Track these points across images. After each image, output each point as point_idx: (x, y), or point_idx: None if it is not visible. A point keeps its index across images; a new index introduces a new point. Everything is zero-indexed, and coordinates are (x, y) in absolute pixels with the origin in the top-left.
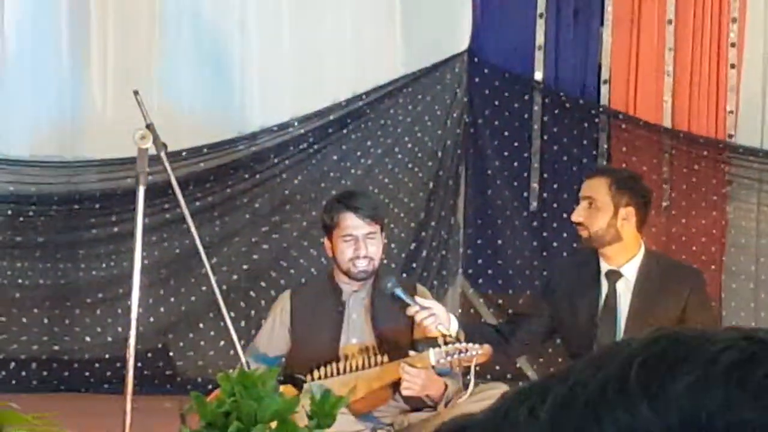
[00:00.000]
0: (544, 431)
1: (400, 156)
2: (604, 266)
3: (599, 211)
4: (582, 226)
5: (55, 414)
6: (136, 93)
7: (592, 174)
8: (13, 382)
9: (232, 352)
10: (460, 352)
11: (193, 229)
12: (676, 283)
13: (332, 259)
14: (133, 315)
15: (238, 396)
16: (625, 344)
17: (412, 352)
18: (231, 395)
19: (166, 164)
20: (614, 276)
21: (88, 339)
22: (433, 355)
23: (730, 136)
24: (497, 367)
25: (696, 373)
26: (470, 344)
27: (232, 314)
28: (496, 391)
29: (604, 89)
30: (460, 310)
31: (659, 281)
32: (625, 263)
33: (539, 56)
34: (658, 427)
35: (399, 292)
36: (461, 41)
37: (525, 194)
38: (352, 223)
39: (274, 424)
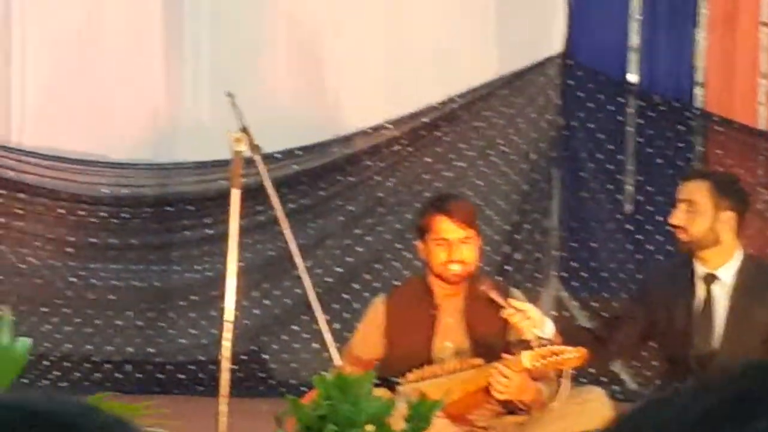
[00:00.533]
0: None
1: (493, 158)
2: (700, 269)
3: (699, 214)
4: (681, 229)
5: (161, 411)
6: (230, 96)
7: (692, 177)
8: (108, 384)
9: (325, 354)
10: (555, 355)
11: (287, 232)
12: None
13: (426, 263)
14: (228, 317)
15: (335, 399)
16: (718, 378)
17: (506, 355)
18: (327, 398)
19: (261, 167)
20: (710, 279)
21: (182, 341)
22: (527, 358)
23: None
24: (591, 371)
25: None
26: (565, 347)
27: (326, 317)
28: (590, 394)
29: (698, 91)
30: (554, 313)
31: (757, 285)
32: (721, 266)
33: (633, 58)
34: None
35: (494, 294)
36: (555, 43)
37: (619, 197)
38: (446, 227)
39: (370, 427)
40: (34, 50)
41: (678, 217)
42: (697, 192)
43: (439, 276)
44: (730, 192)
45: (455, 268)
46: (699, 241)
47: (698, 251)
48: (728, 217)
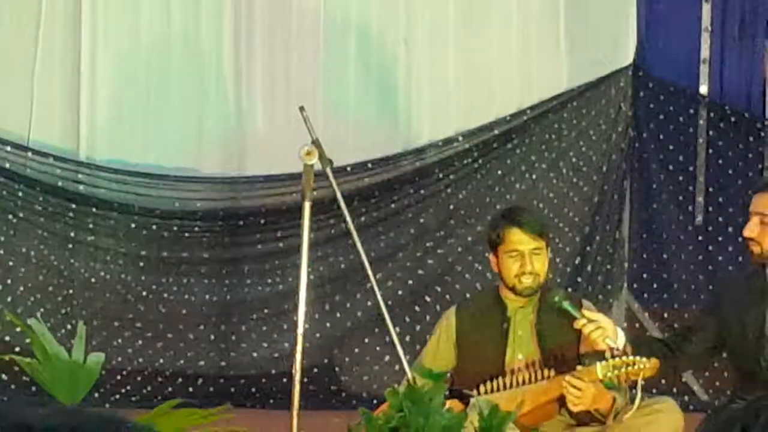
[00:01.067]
0: None
1: (564, 170)
2: None
3: None
4: (754, 241)
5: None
6: (302, 109)
7: (764, 189)
8: (179, 397)
9: (397, 367)
10: (628, 365)
11: (358, 245)
12: None
13: (498, 275)
14: (300, 330)
15: (406, 411)
16: None
17: (579, 366)
18: (399, 410)
19: (332, 180)
20: None
21: (254, 354)
22: (600, 368)
23: None
24: (663, 381)
25: None
26: (637, 357)
27: (398, 329)
28: (661, 405)
29: None
30: (625, 324)
31: None
32: None
33: (704, 70)
34: None
35: (567, 305)
36: (626, 55)
37: (690, 208)
38: (519, 238)
39: None
40: (103, 62)
41: (751, 229)
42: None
43: (512, 288)
44: None
45: (527, 279)
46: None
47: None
48: None
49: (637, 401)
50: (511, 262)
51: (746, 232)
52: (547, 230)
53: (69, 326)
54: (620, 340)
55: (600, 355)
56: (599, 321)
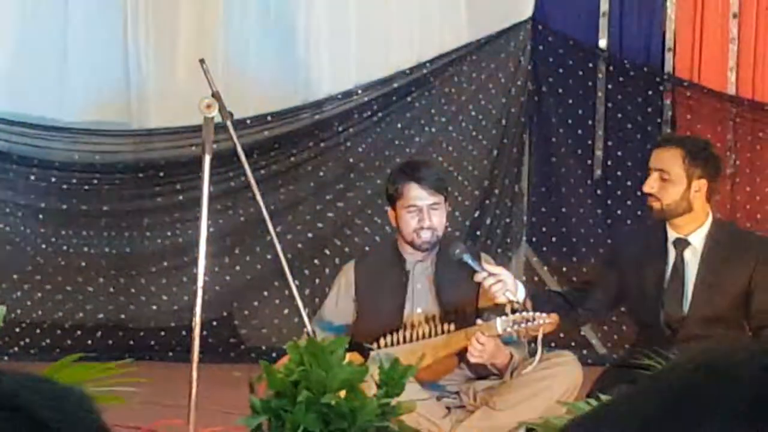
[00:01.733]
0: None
1: (464, 124)
2: (672, 234)
3: (672, 183)
4: (653, 197)
5: (132, 370)
6: (202, 62)
7: (664, 144)
8: (79, 350)
9: (296, 320)
10: (528, 321)
11: (259, 197)
12: (744, 252)
13: (396, 229)
14: (200, 283)
15: (308, 365)
16: (670, 372)
17: (479, 321)
18: (300, 364)
19: (233, 133)
20: (682, 244)
21: (153, 307)
22: (500, 323)
23: None
24: (561, 335)
25: (720, 420)
26: (538, 313)
27: (297, 282)
28: (560, 358)
29: (668, 56)
30: (524, 278)
31: (727, 250)
32: (692, 232)
33: (603, 23)
34: None
35: (467, 258)
36: (525, 8)
37: (589, 162)
38: (417, 194)
39: (343, 393)
40: (2, 15)
41: (650, 185)
42: (670, 161)
43: (410, 243)
44: (703, 159)
45: (426, 234)
46: (671, 209)
47: (670, 219)
48: (701, 184)
49: (538, 356)
50: (409, 218)
51: (646, 188)
52: (446, 185)
53: None
54: (520, 293)
55: (500, 309)
56: (499, 274)
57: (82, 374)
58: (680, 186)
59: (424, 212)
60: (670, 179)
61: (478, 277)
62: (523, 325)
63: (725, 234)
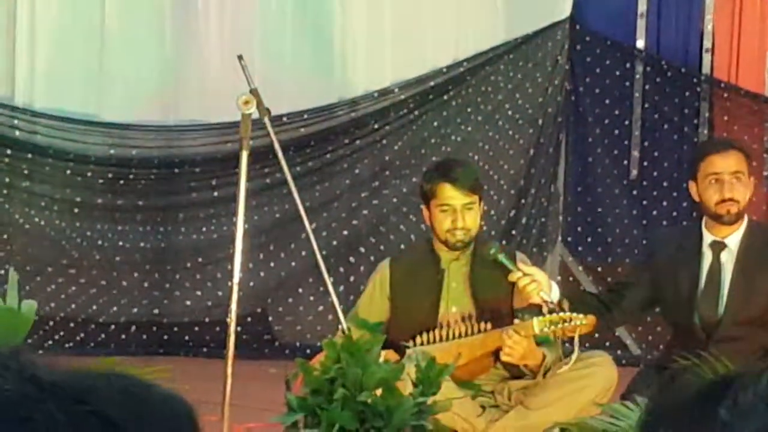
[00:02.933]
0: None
1: (500, 123)
2: (708, 237)
3: (745, 185)
4: (733, 201)
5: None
6: (240, 58)
7: (726, 148)
8: (113, 345)
9: (330, 317)
10: (564, 321)
11: (295, 194)
12: None
13: (431, 228)
14: (235, 279)
15: (344, 363)
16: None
17: (516, 320)
18: (336, 362)
19: (270, 130)
20: (719, 247)
21: (187, 303)
22: (536, 323)
23: None
24: (596, 335)
25: None
26: (574, 314)
27: (332, 279)
28: (595, 359)
29: (706, 58)
30: (559, 278)
31: (762, 252)
32: (729, 234)
33: (641, 24)
34: None
35: (502, 257)
36: (563, 8)
37: (625, 162)
38: (450, 194)
39: (379, 391)
40: (41, 9)
41: (732, 190)
42: (742, 164)
43: (444, 242)
44: (751, 158)
45: (459, 234)
46: (744, 211)
47: (736, 221)
48: (752, 184)
49: (574, 357)
50: (443, 217)
51: (729, 194)
52: (480, 184)
53: (2, 272)
54: (554, 293)
55: (534, 309)
56: (534, 274)
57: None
58: (749, 187)
59: (458, 212)
60: (743, 181)
61: (512, 277)
62: (560, 325)
63: (760, 236)
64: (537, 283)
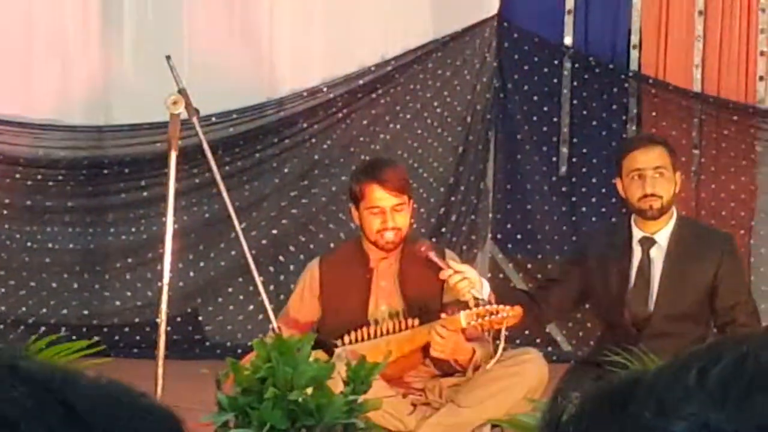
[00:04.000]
0: (712, 399)
1: (429, 121)
2: (637, 233)
3: (667, 180)
4: (655, 197)
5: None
6: (168, 58)
7: (647, 144)
8: (43, 347)
9: (261, 316)
10: (491, 314)
11: (224, 194)
12: (708, 248)
13: (360, 228)
14: (165, 279)
15: (275, 362)
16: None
17: (443, 315)
18: (267, 361)
19: (199, 130)
20: (648, 243)
21: (117, 303)
22: (464, 317)
23: (760, 101)
24: (526, 332)
25: None
26: (501, 306)
27: (262, 279)
28: (525, 356)
29: (634, 54)
30: (489, 275)
31: (691, 247)
32: (659, 230)
33: (569, 21)
34: None
35: (433, 255)
36: (491, 6)
37: (554, 159)
38: (379, 195)
39: (310, 390)
40: None
41: (652, 185)
42: (664, 159)
43: (373, 243)
44: (676, 154)
45: (389, 235)
46: (668, 206)
47: (661, 216)
48: (678, 179)
49: (500, 349)
50: (373, 218)
51: (648, 189)
52: (409, 184)
53: None
54: (485, 290)
55: (464, 306)
56: (465, 272)
57: (54, 356)
58: (672, 182)
59: (387, 213)
60: (666, 176)
61: (443, 275)
62: (487, 318)
63: (690, 231)
64: (468, 280)
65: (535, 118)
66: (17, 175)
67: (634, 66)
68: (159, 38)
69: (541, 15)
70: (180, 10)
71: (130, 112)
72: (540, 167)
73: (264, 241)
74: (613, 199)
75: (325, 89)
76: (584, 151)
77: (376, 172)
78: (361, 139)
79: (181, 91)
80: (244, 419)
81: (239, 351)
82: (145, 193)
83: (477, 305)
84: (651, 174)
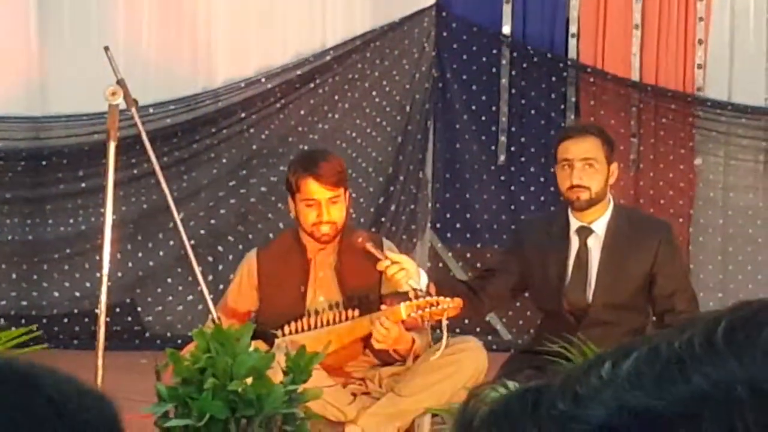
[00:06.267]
0: (628, 382)
1: (368, 110)
2: (575, 222)
3: (597, 171)
4: (582, 187)
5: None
6: (106, 49)
7: (581, 134)
8: None
9: (200, 306)
10: (432, 305)
11: (164, 184)
12: (645, 237)
13: (296, 220)
14: (105, 270)
15: (214, 352)
16: (709, 312)
17: (383, 306)
18: (206, 351)
19: (138, 121)
20: (585, 232)
21: (56, 294)
22: (404, 308)
23: (698, 89)
24: (466, 321)
25: None
26: (441, 297)
27: (200, 269)
28: (465, 344)
29: (572, 43)
30: (429, 264)
31: (629, 235)
32: (596, 219)
33: (507, 10)
34: (746, 378)
35: (370, 246)
36: None
37: (493, 148)
38: (314, 188)
39: (249, 380)
40: None
41: (579, 176)
42: (595, 150)
43: (309, 235)
44: (612, 144)
45: (324, 228)
46: (598, 197)
47: (591, 207)
48: (613, 170)
49: (444, 341)
50: (308, 211)
51: (576, 180)
52: (345, 176)
53: None
54: (423, 281)
55: (403, 296)
56: (402, 262)
57: None
58: (603, 173)
59: (322, 206)
60: (595, 168)
61: (381, 266)
62: (427, 309)
63: (627, 220)
64: (405, 271)
65: (473, 107)
66: None
67: (572, 55)
68: (96, 28)
69: (479, 4)
70: (117, 1)
71: (69, 102)
72: (479, 156)
73: (202, 232)
74: (552, 188)
75: (262, 80)
76: (523, 140)
77: (311, 165)
78: (300, 129)
79: (120, 82)
80: (183, 410)
81: (179, 341)
82: (83, 184)
83: (417, 297)
84: (580, 165)
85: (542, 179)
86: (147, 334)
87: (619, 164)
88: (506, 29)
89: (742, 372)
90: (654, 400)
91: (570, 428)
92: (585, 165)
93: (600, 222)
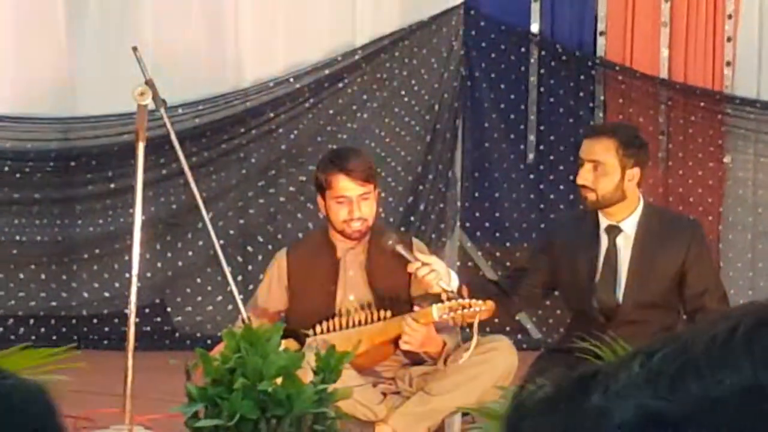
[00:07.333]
0: (646, 381)
1: (396, 110)
2: (604, 221)
3: (606, 174)
4: (588, 188)
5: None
6: (135, 49)
7: (594, 134)
8: (11, 338)
9: (230, 306)
10: (464, 308)
11: (192, 184)
12: (675, 236)
13: (327, 218)
14: (134, 271)
15: (244, 352)
16: (739, 308)
17: (416, 308)
18: (236, 351)
19: (167, 121)
20: (614, 231)
21: (85, 295)
22: (436, 310)
23: (727, 87)
24: (496, 320)
25: None
26: (473, 300)
27: (230, 269)
28: (495, 344)
29: (600, 41)
30: (458, 263)
31: (659, 234)
32: (625, 218)
33: (536, 8)
34: (760, 382)
35: (400, 248)
36: None
37: (522, 146)
38: (345, 185)
39: (279, 380)
40: None
41: (584, 177)
42: (603, 151)
43: (340, 232)
44: (636, 148)
45: (356, 225)
46: (607, 199)
47: (604, 208)
48: (634, 173)
49: (474, 343)
50: (339, 208)
51: (579, 180)
52: (375, 173)
53: None
54: (453, 282)
55: (433, 298)
56: (432, 264)
57: (28, 360)
58: (615, 176)
59: (353, 203)
60: (604, 170)
61: (411, 268)
62: (459, 312)
63: (657, 219)
64: (435, 272)
65: (502, 106)
66: None
67: (600, 53)
68: (125, 29)
69: (507, 3)
70: (145, 1)
71: (98, 103)
72: (508, 155)
73: (232, 232)
74: None
75: (291, 79)
76: (552, 138)
77: (342, 162)
78: (328, 128)
79: (148, 82)
80: (213, 409)
81: (208, 341)
82: (112, 185)
83: (449, 299)
84: (586, 166)
85: (571, 177)
86: (177, 335)
87: (639, 168)
88: (534, 28)
89: (755, 376)
90: (664, 401)
91: (599, 423)
92: (591, 166)
93: (629, 221)
